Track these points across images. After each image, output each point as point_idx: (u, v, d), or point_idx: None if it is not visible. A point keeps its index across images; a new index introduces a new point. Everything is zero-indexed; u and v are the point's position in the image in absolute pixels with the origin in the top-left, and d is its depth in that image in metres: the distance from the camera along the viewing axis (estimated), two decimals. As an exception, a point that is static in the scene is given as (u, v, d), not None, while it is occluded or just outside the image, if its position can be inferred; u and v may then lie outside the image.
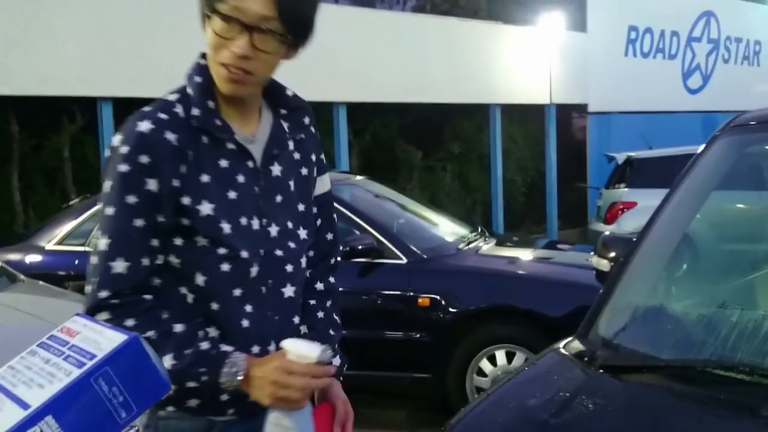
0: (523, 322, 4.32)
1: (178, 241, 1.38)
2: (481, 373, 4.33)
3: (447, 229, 5.31)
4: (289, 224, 1.48)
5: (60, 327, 0.99)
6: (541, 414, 1.76)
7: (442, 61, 10.01)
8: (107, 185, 1.36)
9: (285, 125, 1.51)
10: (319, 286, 1.59)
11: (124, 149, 1.33)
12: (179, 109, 1.38)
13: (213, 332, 1.39)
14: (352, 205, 4.83)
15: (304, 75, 8.92)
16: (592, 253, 3.08)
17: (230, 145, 1.41)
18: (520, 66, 10.94)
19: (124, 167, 1.33)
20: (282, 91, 1.53)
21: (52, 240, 5.05)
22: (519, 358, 4.27)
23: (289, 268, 1.47)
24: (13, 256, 4.92)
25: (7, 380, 0.89)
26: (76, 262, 4.75)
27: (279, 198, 1.47)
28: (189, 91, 1.41)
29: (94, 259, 1.35)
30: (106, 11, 7.26)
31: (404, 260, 4.50)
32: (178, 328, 1.34)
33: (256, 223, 1.42)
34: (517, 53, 10.95)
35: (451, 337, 4.35)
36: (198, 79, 1.40)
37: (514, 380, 2.05)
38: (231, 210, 1.39)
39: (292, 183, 1.50)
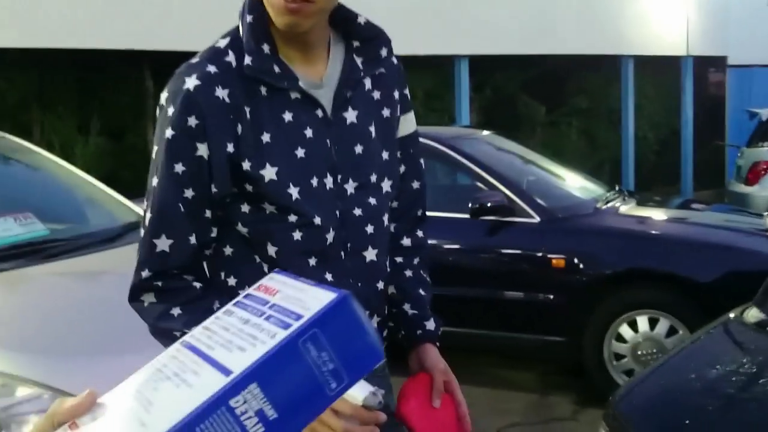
0: (667, 287, 4.01)
1: (245, 208, 1.22)
2: (620, 338, 4.08)
3: (582, 186, 5.02)
4: (372, 177, 1.29)
5: (256, 285, 0.85)
6: (728, 387, 1.58)
7: (568, 9, 9.53)
8: (154, 151, 1.21)
9: (359, 60, 1.29)
10: (406, 241, 1.42)
11: (170, 110, 1.18)
12: (231, 57, 1.20)
13: None
14: (479, 160, 4.62)
15: (424, 27, 8.76)
16: (766, 213, 2.77)
17: (294, 94, 1.22)
18: (654, 14, 10.27)
19: (170, 132, 1.17)
20: (353, 20, 1.30)
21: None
22: (663, 325, 3.97)
23: (370, 228, 1.29)
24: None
25: (202, 342, 0.76)
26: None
27: (358, 148, 1.28)
28: (241, 33, 1.21)
29: (141, 233, 1.22)
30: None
31: (537, 219, 4.27)
32: None
33: (329, 181, 1.25)
34: (650, 0, 10.29)
35: (587, 301, 4.10)
36: (249, 18, 1.20)
37: (689, 350, 1.84)
38: (299, 171, 1.21)
39: (372, 128, 1.30)
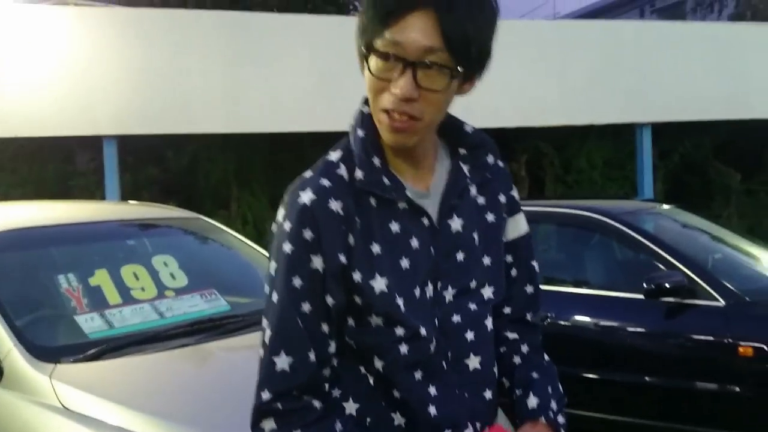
0: None
1: (351, 321, 1.22)
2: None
3: (775, 265, 4.63)
4: (472, 283, 1.28)
5: None
6: None
7: (761, 71, 8.93)
8: (272, 267, 1.22)
9: (465, 168, 1.30)
10: (512, 335, 1.39)
11: (287, 225, 1.19)
12: (343, 171, 1.22)
13: (398, 419, 1.21)
14: (656, 237, 4.40)
15: (604, 94, 8.59)
16: None
17: (402, 204, 1.23)
18: None
19: (287, 247, 1.18)
20: (460, 128, 1.31)
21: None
22: None
23: (470, 335, 1.26)
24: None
25: None
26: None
27: (460, 256, 1.27)
28: (352, 146, 1.24)
29: (261, 352, 1.21)
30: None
31: (722, 302, 3.97)
32: None
33: (430, 290, 1.24)
34: None
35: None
36: (360, 132, 1.23)
37: None
38: (405, 281, 1.21)
39: (476, 235, 1.29)
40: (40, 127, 6.86)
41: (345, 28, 8.46)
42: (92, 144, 7.59)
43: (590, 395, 4.23)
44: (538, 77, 8.34)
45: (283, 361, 1.18)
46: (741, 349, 3.80)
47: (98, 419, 2.35)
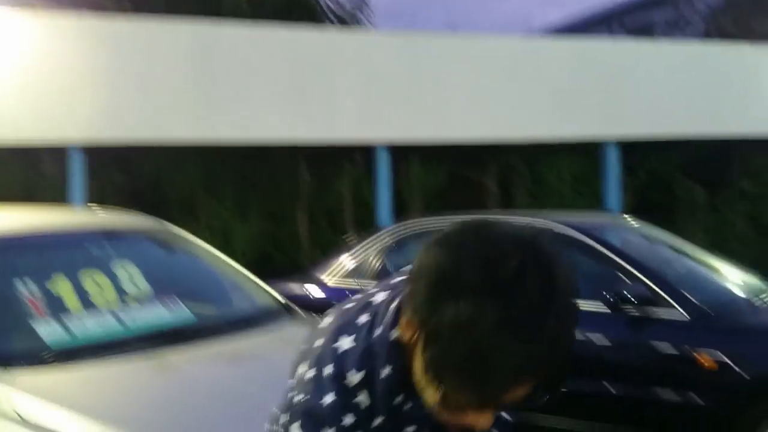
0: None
1: None
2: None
3: (737, 280, 4.69)
4: None
5: None
6: None
7: (731, 90, 9.11)
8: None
9: None
10: None
11: (342, 386, 1.10)
12: (364, 399, 1.10)
13: None
14: (619, 250, 4.44)
15: (571, 111, 8.69)
16: None
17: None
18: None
19: (337, 399, 1.10)
20: None
21: (330, 274, 5.32)
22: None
23: None
24: (297, 289, 5.24)
25: None
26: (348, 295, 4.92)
27: None
28: (375, 368, 1.10)
29: None
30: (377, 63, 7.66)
31: (685, 315, 4.01)
32: None
33: None
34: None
35: (736, 402, 3.77)
36: (387, 369, 1.09)
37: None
38: None
39: None
40: (5, 134, 6.75)
41: (319, 39, 8.54)
42: (58, 151, 7.49)
43: (557, 402, 4.24)
44: (508, 93, 8.42)
45: None
46: (704, 363, 3.84)
47: (54, 430, 2.30)
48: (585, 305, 4.27)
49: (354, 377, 1.09)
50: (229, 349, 3.12)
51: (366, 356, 1.09)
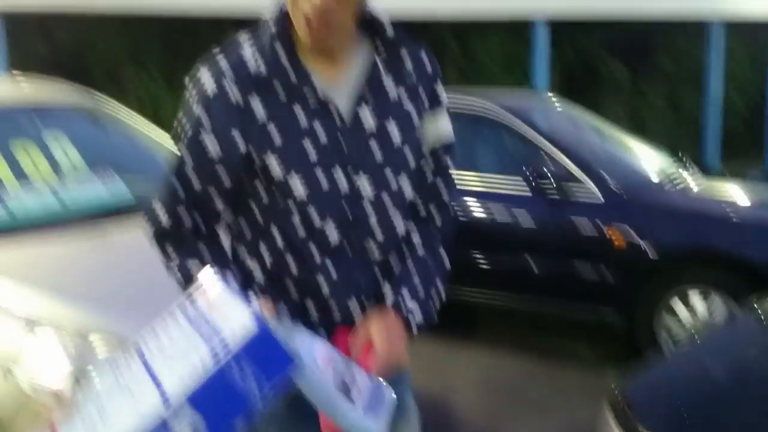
0: (724, 267, 4.00)
1: (263, 197, 1.34)
2: (670, 312, 4.11)
3: (649, 161, 4.98)
4: (387, 172, 1.36)
5: (198, 285, 1.09)
6: (734, 383, 1.62)
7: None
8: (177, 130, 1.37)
9: (380, 60, 1.38)
10: (416, 238, 1.45)
11: (191, 103, 1.33)
12: (249, 58, 1.31)
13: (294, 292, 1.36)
14: (543, 130, 4.64)
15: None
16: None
17: (308, 93, 1.31)
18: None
19: (185, 120, 1.33)
20: (377, 22, 1.39)
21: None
22: (715, 302, 3.97)
23: (380, 235, 1.37)
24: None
25: (149, 348, 0.98)
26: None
27: (373, 143, 1.35)
28: (264, 37, 1.33)
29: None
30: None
31: (599, 196, 4.29)
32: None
33: (339, 175, 1.33)
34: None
35: (643, 276, 4.14)
36: (273, 28, 1.32)
37: (707, 339, 1.90)
38: (305, 161, 1.31)
39: (393, 126, 1.37)
40: None
41: None
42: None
43: (480, 278, 4.57)
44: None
45: (162, 217, 1.37)
46: (615, 239, 4.16)
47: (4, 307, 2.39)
48: (509, 184, 4.53)
49: (244, 37, 1.36)
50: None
51: (255, 32, 1.35)
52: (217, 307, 1.01)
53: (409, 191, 1.41)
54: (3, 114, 3.59)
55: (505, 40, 9.69)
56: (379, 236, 1.37)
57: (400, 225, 1.40)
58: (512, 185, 4.52)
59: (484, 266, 4.57)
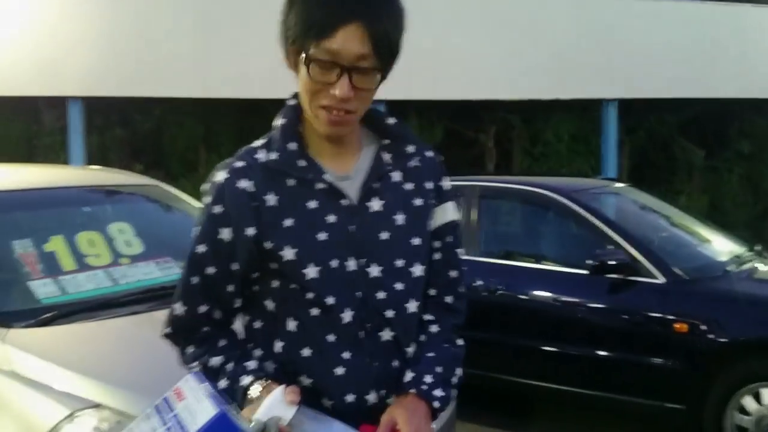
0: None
1: (275, 284, 1.38)
2: (743, 411, 3.85)
3: (718, 246, 4.80)
4: (398, 262, 1.41)
5: (175, 387, 1.14)
6: None
7: (730, 51, 9.07)
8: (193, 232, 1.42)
9: (387, 156, 1.45)
10: (434, 328, 1.48)
11: (206, 199, 1.39)
12: (261, 155, 1.39)
13: (306, 380, 1.37)
14: (604, 216, 4.56)
15: (571, 70, 8.68)
16: None
17: (320, 185, 1.37)
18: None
19: (203, 218, 1.39)
20: (382, 120, 1.47)
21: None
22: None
23: (391, 312, 1.40)
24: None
25: None
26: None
27: (384, 234, 1.40)
28: (275, 136, 1.41)
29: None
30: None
31: (661, 280, 4.14)
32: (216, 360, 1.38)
33: (352, 264, 1.37)
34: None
35: (709, 369, 3.92)
36: (281, 121, 1.41)
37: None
38: (319, 252, 1.36)
39: (401, 216, 1.42)
40: (5, 85, 6.81)
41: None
42: (59, 104, 7.56)
43: (535, 364, 4.42)
44: (506, 50, 8.41)
45: (178, 308, 1.41)
46: (677, 325, 3.98)
47: (47, 385, 2.43)
48: (569, 269, 4.43)
49: (257, 142, 1.43)
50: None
51: (268, 134, 1.44)
52: (187, 407, 1.04)
53: (421, 280, 1.45)
54: (70, 197, 3.77)
55: (573, 121, 9.66)
56: (395, 325, 1.40)
57: (414, 312, 1.44)
58: (573, 269, 4.42)
59: (539, 352, 4.43)
